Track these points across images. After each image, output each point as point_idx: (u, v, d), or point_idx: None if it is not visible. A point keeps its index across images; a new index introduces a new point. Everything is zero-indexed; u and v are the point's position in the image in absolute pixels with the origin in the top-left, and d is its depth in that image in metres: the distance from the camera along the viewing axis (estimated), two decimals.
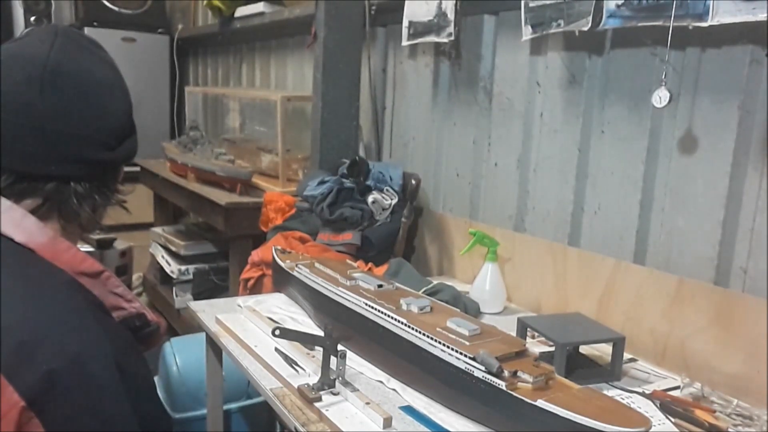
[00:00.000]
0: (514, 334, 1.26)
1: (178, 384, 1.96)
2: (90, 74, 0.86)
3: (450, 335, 1.06)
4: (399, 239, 1.96)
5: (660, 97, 1.27)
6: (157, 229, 3.21)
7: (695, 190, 1.33)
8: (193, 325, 2.31)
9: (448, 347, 1.03)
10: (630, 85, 1.44)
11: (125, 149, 0.91)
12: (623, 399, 1.14)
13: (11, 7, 3.71)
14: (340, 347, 1.10)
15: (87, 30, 3.65)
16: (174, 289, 2.93)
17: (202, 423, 1.79)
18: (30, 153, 0.81)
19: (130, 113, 0.92)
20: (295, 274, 1.47)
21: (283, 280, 1.57)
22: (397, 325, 1.13)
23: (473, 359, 0.98)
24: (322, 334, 1.10)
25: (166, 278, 3.06)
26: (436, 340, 1.05)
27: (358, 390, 1.09)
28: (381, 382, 1.17)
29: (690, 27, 1.20)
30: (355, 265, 1.57)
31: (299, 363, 1.21)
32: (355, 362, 1.22)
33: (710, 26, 1.17)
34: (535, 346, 1.30)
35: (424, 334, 1.07)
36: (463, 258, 1.87)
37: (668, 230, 1.39)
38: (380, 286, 1.29)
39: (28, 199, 0.83)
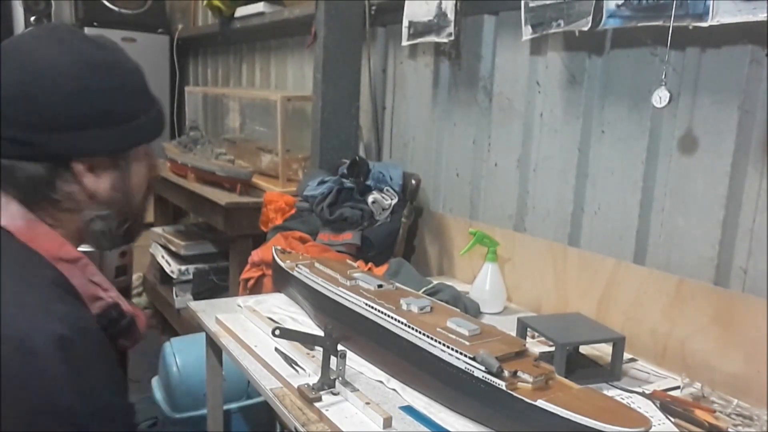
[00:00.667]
0: (514, 334, 1.26)
1: (178, 384, 1.96)
2: (35, 57, 0.84)
3: (450, 335, 1.06)
4: (399, 239, 1.96)
5: (660, 97, 1.27)
6: (157, 229, 3.21)
7: (695, 190, 1.32)
8: (193, 325, 2.31)
9: (448, 347, 1.03)
10: (630, 85, 1.44)
11: (79, 138, 0.85)
12: (623, 399, 1.14)
13: (11, 7, 3.71)
14: (340, 347, 1.10)
15: (87, 30, 3.64)
16: (174, 289, 2.93)
17: (202, 423, 1.79)
18: None
19: (87, 105, 0.85)
20: (295, 274, 1.47)
21: (283, 280, 1.57)
22: (397, 325, 1.13)
23: (473, 359, 0.98)
24: (322, 334, 1.10)
25: (166, 278, 3.06)
26: (436, 340, 1.05)
27: (358, 390, 1.09)
28: (381, 382, 1.17)
29: (690, 27, 1.20)
30: (355, 265, 1.57)
31: (299, 363, 1.21)
32: (355, 362, 1.22)
33: (710, 26, 1.17)
34: (535, 346, 1.30)
35: (424, 334, 1.07)
36: (463, 258, 1.87)
37: (668, 230, 1.39)
38: (380, 286, 1.29)
39: (9, 187, 0.84)
